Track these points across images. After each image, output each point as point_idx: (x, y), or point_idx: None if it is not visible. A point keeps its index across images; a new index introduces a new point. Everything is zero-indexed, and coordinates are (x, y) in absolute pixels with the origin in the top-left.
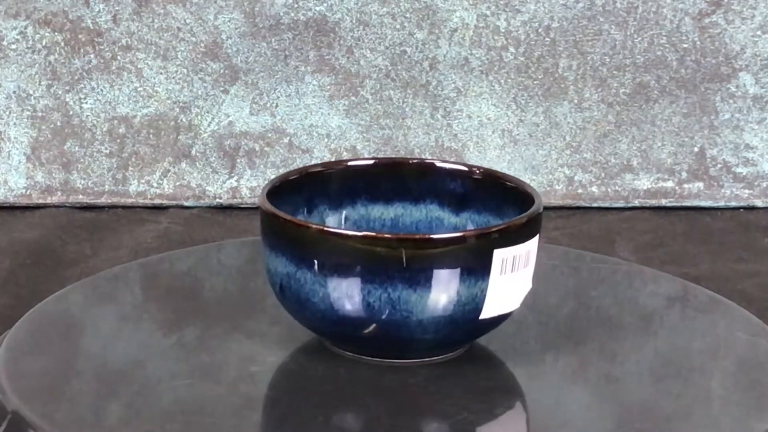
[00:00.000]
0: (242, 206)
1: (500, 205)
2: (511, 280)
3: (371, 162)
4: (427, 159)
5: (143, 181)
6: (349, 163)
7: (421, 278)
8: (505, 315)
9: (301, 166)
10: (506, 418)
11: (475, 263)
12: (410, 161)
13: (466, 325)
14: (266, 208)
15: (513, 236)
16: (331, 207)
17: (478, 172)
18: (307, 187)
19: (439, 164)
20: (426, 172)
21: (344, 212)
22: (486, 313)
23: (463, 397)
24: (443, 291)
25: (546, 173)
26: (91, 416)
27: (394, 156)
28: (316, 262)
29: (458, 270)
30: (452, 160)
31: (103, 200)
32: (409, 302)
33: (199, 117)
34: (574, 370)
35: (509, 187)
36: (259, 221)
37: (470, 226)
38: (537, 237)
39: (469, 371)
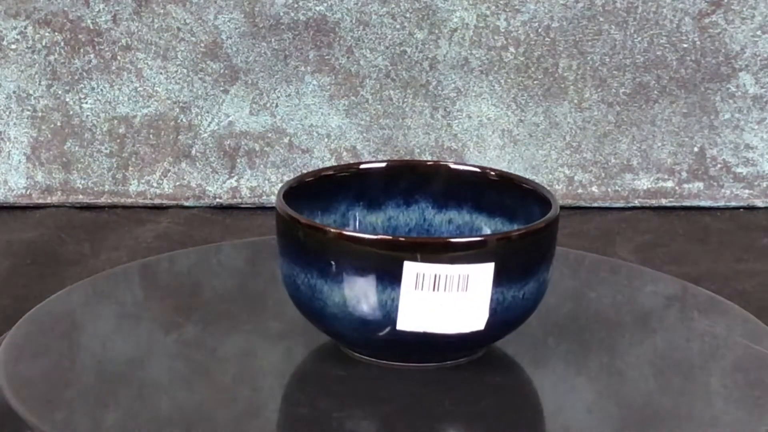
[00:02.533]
0: (242, 206)
1: (517, 207)
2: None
3: (384, 165)
4: (441, 161)
5: (143, 181)
6: (362, 166)
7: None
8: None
9: (301, 165)
10: (521, 422)
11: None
12: (426, 163)
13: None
14: (284, 211)
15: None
16: (346, 209)
17: (493, 174)
18: (321, 190)
19: (453, 166)
20: (441, 174)
21: (359, 215)
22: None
23: (479, 401)
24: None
25: (546, 173)
26: (90, 418)
27: (392, 155)
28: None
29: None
30: (470, 162)
31: (103, 200)
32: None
33: (199, 117)
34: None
35: (527, 189)
36: (275, 224)
37: (485, 229)
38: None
39: (484, 375)
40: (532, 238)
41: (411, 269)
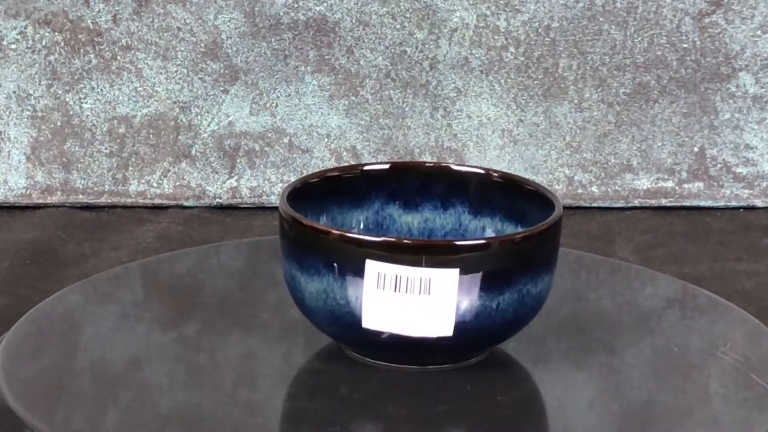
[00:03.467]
0: (242, 206)
1: (521, 209)
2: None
3: (388, 166)
4: (443, 162)
5: (143, 181)
6: (366, 168)
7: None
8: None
9: (301, 166)
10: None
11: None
12: (426, 164)
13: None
14: (287, 213)
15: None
16: (349, 211)
17: (496, 175)
18: (325, 192)
19: (455, 167)
20: (444, 175)
21: (363, 216)
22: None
23: (483, 404)
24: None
25: (546, 173)
26: (89, 419)
27: (392, 155)
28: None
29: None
30: (471, 163)
31: (103, 200)
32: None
33: (199, 117)
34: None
35: (529, 191)
36: (278, 225)
37: (489, 231)
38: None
39: (488, 377)
40: (505, 248)
41: (372, 268)
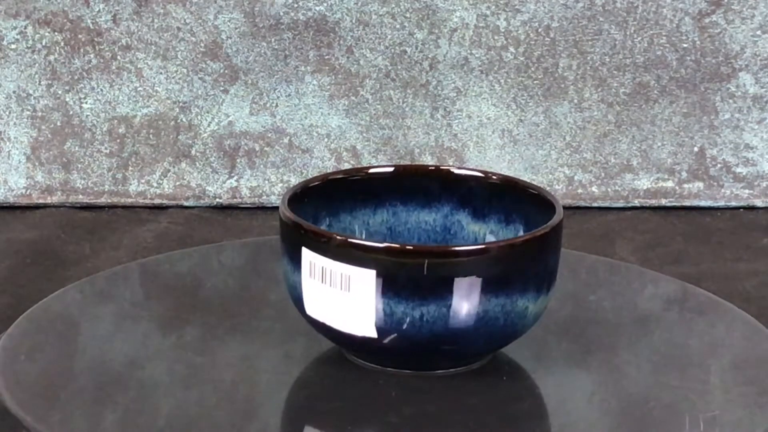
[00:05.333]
0: (242, 206)
1: (521, 212)
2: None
3: (392, 169)
4: (445, 165)
5: (143, 181)
6: (371, 170)
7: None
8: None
9: (301, 166)
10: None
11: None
12: (429, 167)
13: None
14: (288, 217)
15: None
16: (352, 214)
17: (496, 178)
18: (327, 195)
19: (457, 171)
20: (447, 178)
21: (366, 219)
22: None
23: (485, 409)
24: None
25: (546, 173)
26: (87, 419)
27: (392, 155)
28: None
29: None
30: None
31: (103, 200)
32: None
33: (199, 117)
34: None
35: (530, 194)
36: (279, 229)
37: (490, 236)
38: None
39: (491, 382)
40: (415, 256)
41: (306, 256)
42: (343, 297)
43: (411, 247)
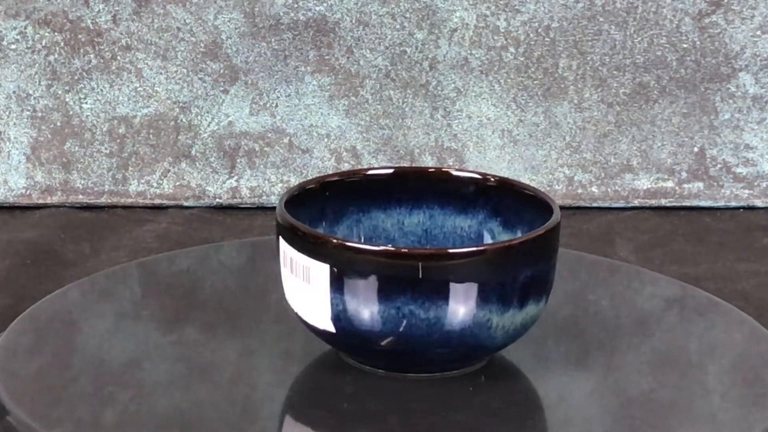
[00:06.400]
0: (242, 206)
1: (518, 213)
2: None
3: (390, 171)
4: (443, 167)
5: (143, 181)
6: (369, 173)
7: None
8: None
9: (301, 166)
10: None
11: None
12: (428, 170)
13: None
14: (285, 220)
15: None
16: (349, 216)
17: (493, 180)
18: (324, 197)
19: (455, 173)
20: (444, 180)
21: (363, 222)
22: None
23: (482, 411)
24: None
25: (546, 173)
26: (87, 420)
27: (392, 155)
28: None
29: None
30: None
31: (103, 200)
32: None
33: (199, 117)
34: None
35: (527, 195)
36: (276, 232)
37: (487, 237)
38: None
39: (488, 384)
40: (363, 256)
41: (282, 246)
42: (304, 288)
43: (407, 250)
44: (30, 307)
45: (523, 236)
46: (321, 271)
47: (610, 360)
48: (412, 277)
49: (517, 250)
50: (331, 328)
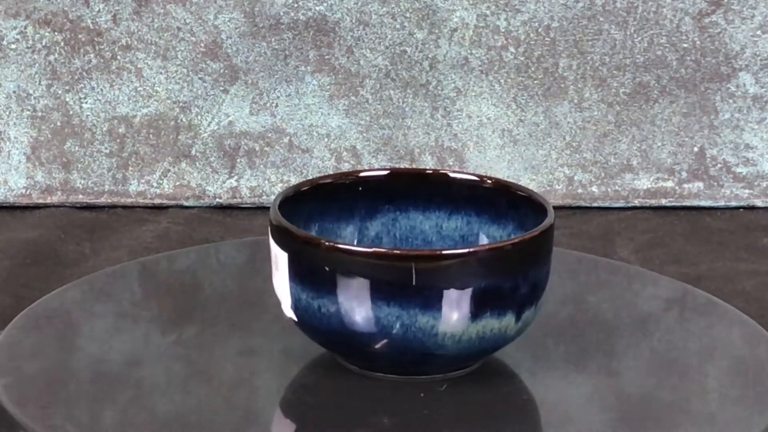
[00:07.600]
0: (242, 206)
1: (513, 215)
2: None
3: (385, 173)
4: (440, 169)
5: (143, 181)
6: (361, 174)
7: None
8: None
9: (301, 165)
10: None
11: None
12: (425, 171)
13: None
14: (278, 222)
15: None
16: (343, 218)
17: (490, 182)
18: (318, 199)
19: (452, 174)
20: (440, 182)
21: (357, 224)
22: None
23: (477, 413)
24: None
25: (546, 173)
26: (86, 420)
27: (392, 155)
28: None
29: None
30: (468, 171)
31: (103, 200)
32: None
33: (199, 117)
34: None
35: (521, 196)
36: (269, 234)
37: (483, 238)
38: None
39: (483, 386)
40: (356, 258)
41: (274, 249)
42: (276, 278)
43: (399, 252)
44: (29, 306)
45: (517, 238)
46: (282, 259)
47: (609, 360)
48: (405, 279)
49: (511, 251)
50: (294, 317)
